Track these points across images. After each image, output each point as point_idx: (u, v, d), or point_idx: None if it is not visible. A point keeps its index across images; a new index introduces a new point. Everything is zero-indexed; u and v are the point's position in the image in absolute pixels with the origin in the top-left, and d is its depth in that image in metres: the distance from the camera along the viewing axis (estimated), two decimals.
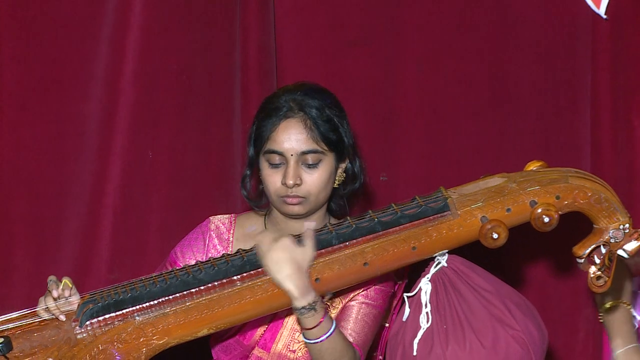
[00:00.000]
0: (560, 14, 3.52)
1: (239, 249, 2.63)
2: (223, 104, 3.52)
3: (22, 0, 3.40)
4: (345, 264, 2.59)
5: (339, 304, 2.81)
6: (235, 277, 2.59)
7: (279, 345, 2.82)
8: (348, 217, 2.63)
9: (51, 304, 2.54)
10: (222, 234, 2.88)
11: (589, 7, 3.46)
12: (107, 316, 2.56)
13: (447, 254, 2.63)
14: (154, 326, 2.56)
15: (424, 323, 2.61)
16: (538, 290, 3.57)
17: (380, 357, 2.93)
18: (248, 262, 2.59)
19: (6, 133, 3.41)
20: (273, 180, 2.76)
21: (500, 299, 2.61)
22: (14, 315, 2.56)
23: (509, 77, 3.56)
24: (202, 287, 2.58)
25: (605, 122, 3.48)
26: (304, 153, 2.74)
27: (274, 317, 2.81)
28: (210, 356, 2.93)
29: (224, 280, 2.58)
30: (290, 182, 2.72)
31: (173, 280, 2.58)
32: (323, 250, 2.60)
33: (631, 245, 2.55)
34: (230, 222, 2.89)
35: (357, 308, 2.79)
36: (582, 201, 2.54)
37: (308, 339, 2.63)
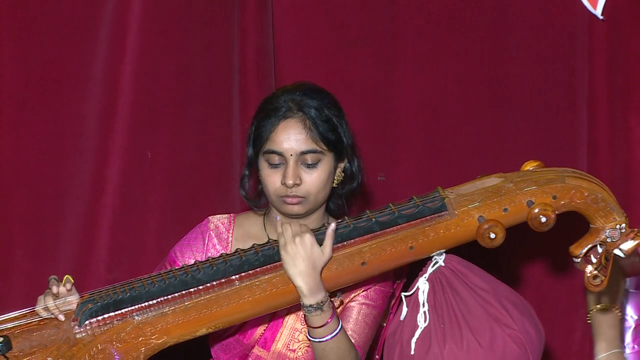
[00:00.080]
0: (557, 14, 3.53)
1: (237, 249, 2.63)
2: (222, 104, 3.53)
3: (22, 0, 3.40)
4: (343, 264, 2.60)
5: (339, 304, 2.82)
6: (233, 277, 2.59)
7: (279, 345, 2.83)
8: (346, 217, 2.63)
9: (50, 303, 2.55)
10: (222, 234, 2.88)
11: (585, 7, 3.47)
12: (106, 316, 2.56)
13: (444, 254, 2.63)
14: (153, 326, 2.57)
15: (422, 322, 2.60)
16: (535, 290, 3.57)
17: (377, 357, 2.93)
18: (246, 262, 2.60)
19: (6, 133, 3.42)
20: (272, 180, 2.76)
21: (497, 299, 2.61)
22: (13, 314, 2.57)
23: (507, 77, 3.57)
24: (200, 287, 2.58)
25: (602, 122, 3.48)
26: (303, 153, 2.74)
27: (274, 316, 2.82)
28: (209, 355, 2.93)
29: (223, 280, 2.59)
30: (290, 182, 2.73)
31: (172, 280, 2.58)
32: None
33: (627, 245, 2.54)
34: (230, 222, 2.90)
35: (358, 309, 2.80)
36: (578, 201, 2.54)
37: (313, 338, 2.64)
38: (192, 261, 2.79)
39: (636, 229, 2.55)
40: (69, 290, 2.57)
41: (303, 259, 2.57)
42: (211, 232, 2.88)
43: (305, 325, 2.69)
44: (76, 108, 3.44)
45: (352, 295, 2.81)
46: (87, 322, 2.56)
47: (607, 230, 2.54)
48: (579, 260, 2.56)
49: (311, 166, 2.75)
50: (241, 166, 3.01)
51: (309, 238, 2.58)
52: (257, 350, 2.84)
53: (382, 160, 3.56)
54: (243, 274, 2.60)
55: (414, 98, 3.58)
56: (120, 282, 2.62)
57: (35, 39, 3.42)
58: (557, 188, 2.55)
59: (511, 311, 2.60)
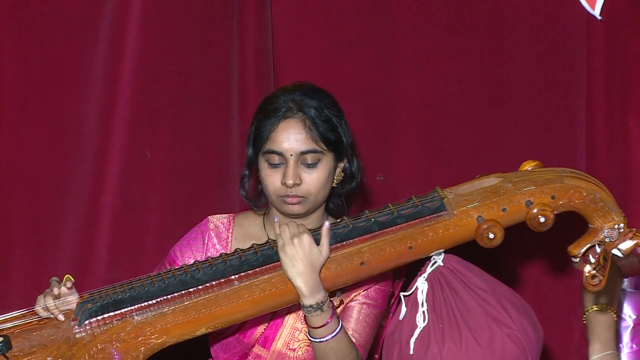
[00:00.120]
0: (555, 15, 3.53)
1: (236, 249, 2.64)
2: (221, 104, 3.53)
3: (22, 0, 3.41)
4: (342, 264, 2.60)
5: (339, 303, 2.82)
6: (233, 277, 2.59)
7: (279, 344, 2.83)
8: (345, 217, 2.64)
9: (50, 303, 2.55)
10: (221, 233, 2.89)
11: (584, 8, 3.47)
12: (105, 315, 2.57)
13: (443, 254, 2.63)
14: (153, 325, 2.57)
15: (421, 322, 2.60)
16: (533, 290, 3.57)
17: (377, 356, 2.94)
18: (246, 262, 2.60)
19: (6, 133, 3.43)
20: (272, 180, 2.77)
21: (496, 298, 2.60)
22: (13, 314, 2.57)
23: (505, 77, 3.57)
24: (200, 287, 2.59)
25: (600, 123, 3.48)
26: (304, 153, 2.75)
27: (274, 315, 2.82)
28: (209, 354, 2.94)
29: (222, 280, 2.59)
30: (290, 181, 2.73)
31: (171, 280, 2.59)
32: None
33: (626, 245, 2.54)
34: (229, 222, 2.90)
35: (358, 308, 2.81)
36: (577, 201, 2.55)
37: (313, 338, 2.65)
38: (191, 261, 2.79)
39: (634, 229, 2.55)
40: (69, 289, 2.57)
41: (302, 259, 2.57)
42: (211, 231, 2.89)
43: (305, 325, 2.69)
44: (76, 108, 3.45)
45: (353, 294, 2.82)
46: (86, 321, 2.56)
47: (606, 230, 2.54)
48: (577, 260, 2.56)
49: (311, 166, 2.76)
50: (240, 166, 3.01)
51: (307, 239, 2.58)
52: (257, 350, 2.84)
53: (381, 160, 3.57)
54: (242, 273, 2.60)
55: (413, 98, 3.58)
56: (120, 281, 2.62)
57: (35, 39, 3.42)
58: (556, 188, 2.55)
59: (510, 311, 2.60)
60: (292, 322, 2.83)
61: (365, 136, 3.45)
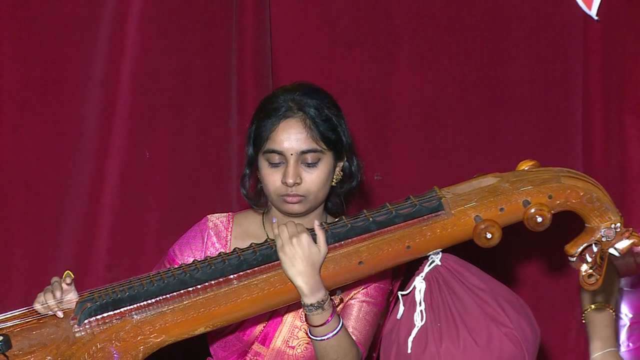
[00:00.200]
0: (552, 15, 3.52)
1: (235, 248, 2.64)
2: (221, 104, 3.53)
3: (22, 0, 3.41)
4: (340, 263, 2.61)
5: (339, 302, 2.83)
6: (231, 276, 2.60)
7: (278, 341, 2.84)
8: (343, 217, 2.64)
9: (51, 301, 2.56)
10: (221, 232, 2.89)
11: (580, 8, 3.47)
12: (105, 314, 2.57)
13: (441, 253, 2.64)
14: (152, 324, 2.58)
15: (418, 321, 2.61)
16: (531, 289, 3.57)
17: (375, 355, 2.95)
18: (244, 262, 2.60)
19: (6, 133, 3.43)
20: (273, 179, 2.77)
21: (493, 297, 2.61)
22: (13, 313, 2.57)
23: (502, 77, 3.56)
24: (199, 286, 2.59)
25: (597, 122, 3.48)
26: (304, 152, 2.75)
27: (274, 313, 2.82)
28: (208, 353, 2.94)
29: (221, 279, 2.60)
30: (291, 181, 2.74)
31: (170, 279, 2.59)
32: None
33: (622, 244, 2.55)
34: (228, 221, 2.91)
35: (358, 306, 2.81)
36: (574, 200, 2.55)
37: (314, 336, 2.65)
38: (191, 260, 2.79)
39: (631, 228, 2.56)
40: (68, 285, 2.58)
41: (301, 259, 2.58)
42: (210, 230, 2.89)
43: (305, 322, 2.70)
44: (76, 108, 3.45)
45: (352, 293, 2.82)
46: (86, 321, 2.57)
47: (602, 230, 2.54)
48: (574, 259, 2.57)
49: (311, 165, 2.76)
50: (239, 166, 3.02)
51: (305, 238, 2.59)
52: (256, 347, 2.85)
53: (379, 160, 3.56)
54: (241, 273, 2.60)
55: (411, 98, 3.58)
56: (120, 281, 2.63)
57: (35, 39, 3.43)
58: (553, 188, 2.56)
59: (507, 310, 2.60)
60: (291, 320, 2.84)
61: (364, 136, 3.45)
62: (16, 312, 2.58)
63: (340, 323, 2.66)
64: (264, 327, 2.85)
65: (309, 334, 2.68)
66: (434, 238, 2.60)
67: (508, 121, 3.58)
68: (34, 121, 3.44)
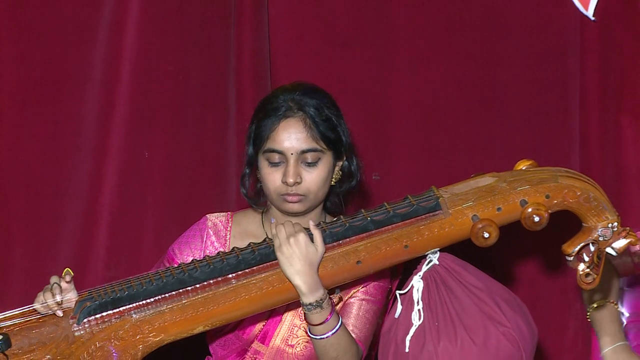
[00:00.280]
0: (549, 15, 3.52)
1: (234, 248, 2.65)
2: (219, 105, 3.53)
3: (22, 1, 3.41)
4: (338, 263, 2.62)
5: (338, 301, 2.84)
6: (230, 276, 2.60)
7: (278, 340, 2.84)
8: (341, 216, 2.65)
9: (50, 300, 2.56)
10: (220, 231, 2.90)
11: (577, 8, 3.48)
12: (104, 314, 2.58)
13: (438, 252, 2.64)
14: (151, 323, 2.58)
15: (416, 320, 2.61)
16: (528, 288, 3.57)
17: (373, 353, 2.95)
18: (243, 261, 2.61)
19: (6, 133, 3.43)
20: (273, 178, 2.78)
21: (491, 297, 2.61)
22: (13, 312, 2.58)
23: (500, 77, 3.56)
24: (197, 285, 2.60)
25: (594, 122, 3.48)
26: (304, 152, 2.76)
27: (273, 312, 2.83)
28: (207, 352, 2.94)
29: (220, 279, 2.60)
30: (291, 180, 2.74)
31: (169, 279, 2.59)
32: None
33: (619, 243, 2.55)
34: (227, 220, 2.91)
35: (358, 305, 2.82)
36: (571, 200, 2.56)
37: (313, 335, 2.66)
38: (190, 259, 2.80)
39: (628, 228, 2.56)
40: (68, 283, 2.58)
41: (299, 258, 2.59)
42: (209, 229, 2.90)
43: (304, 321, 2.71)
44: (75, 108, 3.45)
45: (352, 291, 2.83)
46: (85, 320, 2.57)
47: (600, 229, 2.55)
48: (571, 258, 2.57)
49: (311, 165, 2.77)
50: (238, 166, 3.02)
51: (302, 237, 2.60)
52: (255, 346, 2.86)
53: (378, 159, 3.56)
54: (240, 272, 2.61)
55: (409, 98, 3.58)
56: (119, 280, 2.63)
57: (35, 39, 3.43)
58: (550, 187, 2.56)
59: (504, 309, 2.60)
60: (290, 319, 2.84)
61: (362, 136, 3.43)
62: (16, 311, 2.58)
63: (340, 321, 2.66)
64: (263, 325, 2.85)
65: (308, 333, 2.69)
66: (432, 237, 2.61)
67: (506, 121, 3.58)
68: (34, 121, 3.44)
